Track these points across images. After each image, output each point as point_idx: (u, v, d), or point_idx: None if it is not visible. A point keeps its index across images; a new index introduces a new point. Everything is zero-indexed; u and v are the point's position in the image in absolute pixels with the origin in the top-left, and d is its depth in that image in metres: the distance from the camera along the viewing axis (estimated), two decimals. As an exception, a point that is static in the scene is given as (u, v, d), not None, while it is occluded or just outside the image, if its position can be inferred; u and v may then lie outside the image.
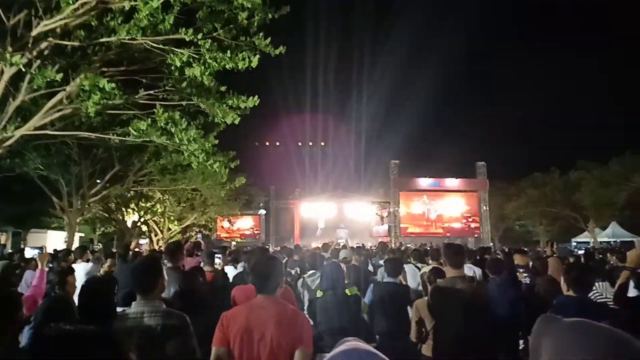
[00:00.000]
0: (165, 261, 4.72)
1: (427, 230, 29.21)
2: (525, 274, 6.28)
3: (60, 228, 18.65)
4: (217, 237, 31.09)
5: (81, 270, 6.63)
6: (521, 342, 5.01)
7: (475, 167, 30.24)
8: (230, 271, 6.60)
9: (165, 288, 4.17)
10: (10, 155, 11.56)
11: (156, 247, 18.71)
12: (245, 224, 33.82)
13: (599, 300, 4.77)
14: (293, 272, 6.47)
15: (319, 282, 4.58)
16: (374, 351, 1.01)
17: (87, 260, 7.00)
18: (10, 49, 6.31)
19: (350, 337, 1.11)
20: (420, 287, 5.88)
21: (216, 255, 7.55)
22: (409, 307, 4.89)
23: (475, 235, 29.06)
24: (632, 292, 4.89)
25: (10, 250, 12.77)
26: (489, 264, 5.29)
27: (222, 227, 32.23)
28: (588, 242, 28.64)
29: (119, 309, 5.68)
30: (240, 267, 6.72)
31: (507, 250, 11.46)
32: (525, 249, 8.27)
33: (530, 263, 6.44)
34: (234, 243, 23.42)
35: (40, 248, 9.40)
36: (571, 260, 8.09)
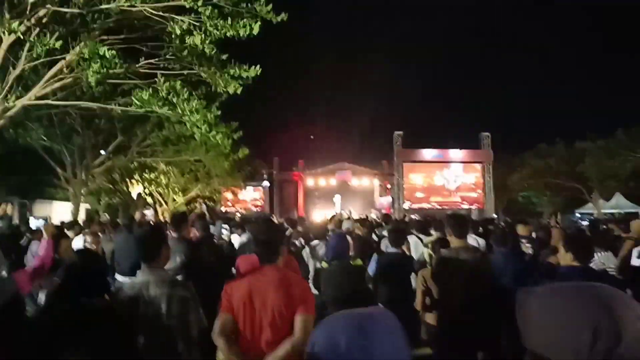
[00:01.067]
0: (171, 232, 4.73)
1: (431, 202, 29.24)
2: (528, 244, 6.29)
3: (66, 199, 18.75)
4: (222, 208, 31.24)
5: (79, 242, 6.69)
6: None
7: (479, 137, 30.02)
8: (238, 240, 6.64)
9: (170, 258, 4.21)
10: (13, 126, 11.54)
11: (161, 218, 18.85)
12: (249, 195, 33.90)
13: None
14: (297, 243, 6.50)
15: (324, 252, 4.60)
16: (373, 312, 1.01)
17: (96, 232, 7.05)
18: (7, 15, 6.19)
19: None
20: (424, 257, 5.90)
21: (223, 226, 7.61)
22: (412, 277, 4.93)
23: (479, 207, 29.09)
24: (635, 262, 4.90)
25: (17, 222, 12.89)
26: (494, 235, 5.27)
27: (227, 198, 32.37)
28: (592, 214, 28.63)
29: (125, 279, 5.77)
30: (245, 237, 6.75)
31: (509, 221, 11.46)
32: (527, 219, 8.27)
33: (534, 234, 6.44)
34: (238, 214, 23.54)
35: (45, 218, 9.46)
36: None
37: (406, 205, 28.66)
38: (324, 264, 4.02)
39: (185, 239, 4.62)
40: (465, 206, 29.03)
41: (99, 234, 5.86)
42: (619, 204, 27.64)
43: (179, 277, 4.05)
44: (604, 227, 9.37)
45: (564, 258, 3.23)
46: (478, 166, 29.67)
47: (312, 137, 41.19)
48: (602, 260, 5.05)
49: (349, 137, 46.92)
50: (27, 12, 6.81)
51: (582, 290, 0.94)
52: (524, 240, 6.34)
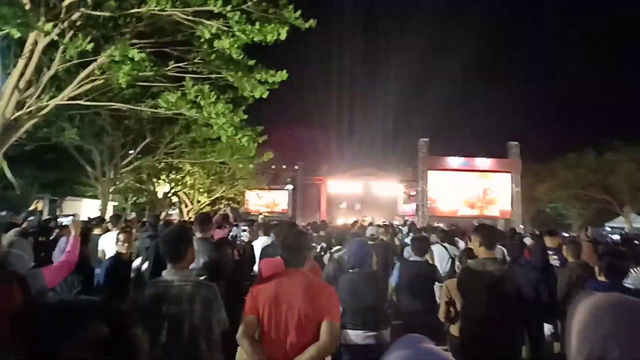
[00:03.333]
0: (195, 232, 4.77)
1: (456, 211, 28.80)
2: (555, 256, 6.13)
3: (95, 197, 19.18)
4: (246, 210, 31.48)
5: (115, 238, 6.81)
6: (548, 327, 4.91)
7: (507, 146, 29.46)
8: (261, 242, 6.65)
9: (195, 257, 4.24)
10: (46, 125, 11.87)
11: (186, 218, 19.11)
12: (272, 198, 34.09)
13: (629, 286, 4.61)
14: (319, 247, 6.49)
15: (346, 258, 4.56)
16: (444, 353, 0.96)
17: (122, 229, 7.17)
18: (43, 18, 6.38)
19: (415, 335, 1.04)
20: (449, 268, 5.81)
21: (243, 228, 7.65)
22: (435, 286, 4.85)
23: (506, 217, 28.51)
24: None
25: (47, 216, 13.23)
26: (509, 248, 5.15)
27: (250, 201, 32.62)
28: (623, 228, 27.77)
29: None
30: (268, 239, 6.78)
31: (537, 232, 11.20)
32: (555, 230, 8.06)
33: (564, 247, 6.27)
34: (261, 216, 23.70)
35: (73, 215, 9.68)
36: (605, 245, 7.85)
37: (429, 212, 28.32)
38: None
39: (209, 239, 4.66)
40: (492, 215, 28.50)
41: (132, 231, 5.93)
42: (651, 218, 26.75)
43: (203, 277, 4.08)
44: (636, 242, 9.07)
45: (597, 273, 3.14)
46: (506, 176, 29.09)
47: (338, 143, 41.15)
48: (638, 274, 4.88)
49: (374, 143, 46.67)
50: (62, 16, 7.00)
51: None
52: (550, 252, 6.19)
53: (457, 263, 5.91)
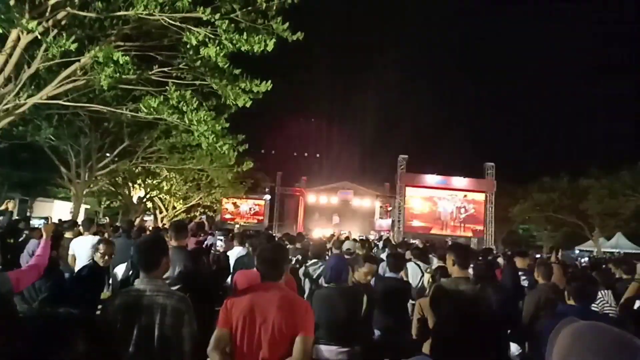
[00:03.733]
0: (170, 240, 4.70)
1: (430, 228, 29.12)
2: (523, 277, 6.24)
3: (67, 198, 18.78)
4: (222, 219, 31.20)
5: (88, 242, 6.66)
6: (516, 347, 4.98)
7: (484, 167, 30.03)
8: (236, 252, 6.59)
9: (169, 267, 4.18)
10: (22, 123, 11.62)
11: (160, 225, 18.83)
12: (249, 208, 33.90)
13: (605, 310, 4.73)
14: (294, 260, 6.45)
15: (322, 273, 4.57)
16: None
17: (95, 233, 7.02)
18: (27, 15, 6.28)
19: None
20: (423, 285, 5.85)
21: (218, 237, 7.57)
22: (409, 304, 4.89)
23: (478, 236, 28.94)
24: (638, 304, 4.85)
25: (17, 217, 12.87)
26: (476, 269, 5.22)
27: (227, 209, 32.36)
28: (592, 251, 28.48)
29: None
30: (243, 250, 6.72)
31: (509, 252, 11.39)
32: (526, 251, 8.20)
33: (535, 268, 6.40)
34: (237, 226, 23.51)
35: (46, 218, 9.45)
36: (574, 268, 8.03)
37: (405, 227, 28.56)
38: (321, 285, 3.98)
39: (184, 248, 4.60)
40: (465, 234, 28.89)
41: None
42: (619, 243, 27.52)
43: (177, 287, 4.01)
44: (604, 266, 9.30)
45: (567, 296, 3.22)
46: (480, 195, 29.60)
47: (317, 155, 41.28)
48: (605, 298, 4.99)
49: (353, 157, 46.93)
50: (47, 14, 6.91)
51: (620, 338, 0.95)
52: (520, 273, 6.30)
53: (425, 277, 5.96)
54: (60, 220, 10.63)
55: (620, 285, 5.45)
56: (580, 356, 0.94)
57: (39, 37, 6.80)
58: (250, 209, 33.91)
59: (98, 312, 3.10)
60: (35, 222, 10.74)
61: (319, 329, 3.60)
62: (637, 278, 4.16)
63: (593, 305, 4.33)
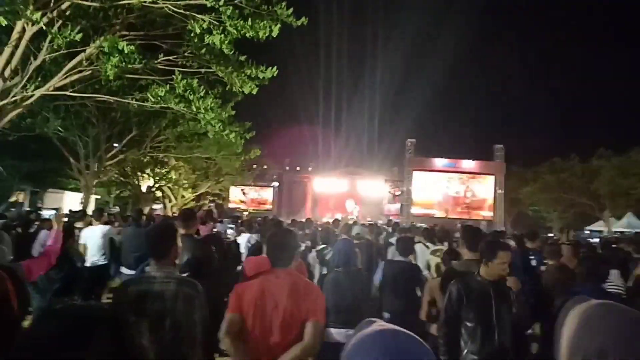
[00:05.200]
0: (179, 228, 4.73)
1: (439, 211, 29.06)
2: (532, 257, 6.23)
3: (77, 189, 18.93)
4: (230, 207, 31.36)
5: (98, 232, 6.74)
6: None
7: (492, 149, 29.81)
8: (245, 239, 6.63)
9: (179, 254, 4.21)
10: (30, 115, 11.68)
11: (170, 214, 18.97)
12: (258, 195, 34.02)
13: (609, 289, 4.72)
14: (304, 246, 6.49)
15: (331, 257, 4.59)
16: (412, 334, 0.93)
17: (105, 223, 7.10)
18: (32, 6, 6.28)
19: (376, 319, 1.03)
20: (429, 264, 5.85)
21: (229, 225, 7.63)
22: (417, 287, 4.90)
23: (488, 218, 28.84)
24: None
25: (28, 208, 13.01)
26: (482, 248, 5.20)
27: (235, 197, 32.49)
28: (602, 231, 28.28)
29: (131, 272, 5.79)
30: (253, 237, 6.76)
31: (517, 234, 11.34)
32: (536, 232, 8.16)
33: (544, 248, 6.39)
34: (246, 213, 23.61)
35: (57, 209, 9.58)
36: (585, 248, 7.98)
37: (414, 211, 28.53)
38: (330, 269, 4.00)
39: (193, 236, 4.63)
40: (475, 217, 28.81)
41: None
42: (630, 223, 27.26)
43: (185, 274, 4.05)
44: (614, 246, 9.25)
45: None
46: (490, 178, 29.44)
47: (325, 141, 41.19)
48: (611, 277, 4.98)
49: (361, 142, 46.77)
50: (51, 4, 6.90)
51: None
52: (530, 254, 6.29)
53: (430, 258, 5.96)
54: (70, 210, 10.74)
55: (632, 265, 5.43)
56: (591, 335, 0.93)
57: (44, 28, 6.80)
58: (258, 196, 34.03)
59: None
60: (45, 213, 10.84)
61: (328, 312, 3.63)
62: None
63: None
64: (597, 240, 17.14)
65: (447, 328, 3.15)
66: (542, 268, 5.56)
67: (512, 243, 8.15)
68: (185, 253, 4.21)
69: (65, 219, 5.65)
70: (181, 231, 4.51)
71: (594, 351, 0.90)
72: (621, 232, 25.77)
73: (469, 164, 29.78)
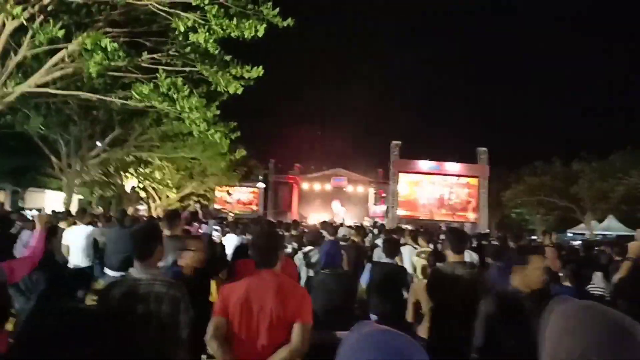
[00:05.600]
0: (163, 229, 4.66)
1: (425, 213, 29.27)
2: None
3: (59, 188, 18.60)
4: (215, 208, 31.14)
5: (82, 233, 6.62)
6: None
7: (476, 152, 30.13)
8: (232, 241, 6.56)
9: (163, 255, 4.13)
10: (10, 112, 11.44)
11: (154, 215, 18.75)
12: (243, 196, 33.83)
13: (592, 291, 4.78)
14: (290, 247, 6.45)
15: (317, 259, 4.56)
16: (403, 334, 0.95)
17: (88, 223, 6.97)
18: (12, 0, 6.13)
19: (368, 321, 1.04)
20: (415, 265, 5.86)
21: (214, 227, 7.55)
22: (403, 288, 4.90)
23: (472, 221, 29.14)
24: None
25: (9, 209, 12.75)
26: (490, 251, 5.28)
27: (220, 198, 32.26)
28: (584, 234, 28.75)
29: (116, 274, 5.69)
30: (239, 239, 6.70)
31: (502, 236, 11.47)
32: (519, 234, 8.24)
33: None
34: (231, 214, 23.46)
35: (39, 209, 9.39)
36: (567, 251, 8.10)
37: (399, 213, 28.68)
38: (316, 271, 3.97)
39: (177, 237, 4.57)
40: (459, 219, 29.07)
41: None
42: (611, 226, 27.80)
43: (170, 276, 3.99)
44: (597, 249, 9.40)
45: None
46: (473, 180, 29.75)
47: (318, 133, 41.19)
48: (594, 280, 5.05)
49: (346, 143, 46.89)
50: (32, -1, 6.76)
51: (621, 322, 0.93)
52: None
53: (415, 259, 5.97)
54: (53, 211, 10.54)
55: (613, 268, 5.50)
56: (574, 336, 0.92)
57: (25, 23, 6.65)
58: (244, 197, 33.85)
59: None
60: (28, 214, 10.63)
61: (316, 314, 3.60)
62: (629, 257, 4.21)
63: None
64: (579, 242, 17.42)
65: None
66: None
67: (496, 244, 8.24)
68: (169, 254, 4.15)
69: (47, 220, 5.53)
70: (166, 232, 4.47)
71: (578, 352, 0.90)
72: (603, 235, 26.26)
73: (453, 167, 30.06)
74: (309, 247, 5.58)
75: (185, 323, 2.51)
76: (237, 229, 7.35)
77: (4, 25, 7.03)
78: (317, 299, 3.73)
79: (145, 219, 11.41)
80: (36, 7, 6.87)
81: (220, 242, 6.53)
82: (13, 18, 6.42)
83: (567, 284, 3.96)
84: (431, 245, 6.96)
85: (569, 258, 5.51)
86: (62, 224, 6.90)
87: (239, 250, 5.36)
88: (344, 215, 28.08)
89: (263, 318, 2.33)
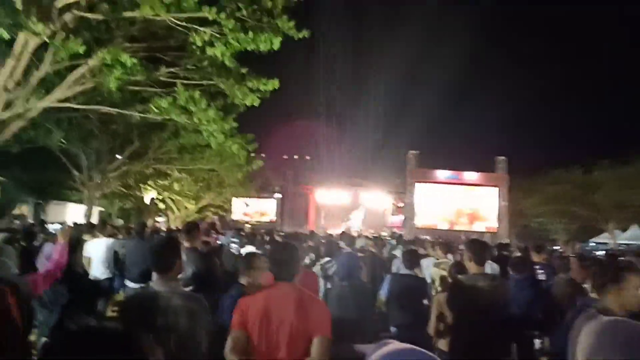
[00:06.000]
0: (182, 241, 4.68)
1: (443, 224, 28.93)
2: (541, 271, 6.16)
3: (80, 201, 18.92)
4: (233, 218, 31.32)
5: (103, 245, 6.70)
6: (538, 341, 4.91)
7: (495, 161, 29.76)
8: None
9: (182, 269, 4.15)
10: (33, 127, 11.71)
11: (173, 226, 18.92)
12: (260, 207, 33.93)
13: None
14: (307, 259, 6.42)
15: (335, 271, 4.53)
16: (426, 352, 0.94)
17: (109, 236, 7.06)
18: (34, 18, 6.29)
19: (390, 340, 1.03)
20: (433, 277, 5.78)
21: (232, 240, 7.56)
22: (424, 300, 4.83)
23: (492, 231, 28.68)
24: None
25: (31, 221, 12.98)
26: (512, 263, 5.17)
27: (238, 209, 32.42)
28: (607, 243, 28.09)
29: (135, 286, 5.73)
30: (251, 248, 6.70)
31: (523, 246, 11.25)
32: (542, 245, 8.07)
33: (554, 262, 6.33)
34: (248, 226, 23.55)
35: (62, 223, 9.55)
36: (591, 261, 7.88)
37: (417, 223, 28.41)
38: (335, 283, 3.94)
39: (197, 249, 4.58)
40: (479, 229, 28.67)
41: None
42: (635, 235, 27.12)
43: (190, 288, 4.00)
44: (621, 259, 9.15)
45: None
46: (493, 190, 29.35)
47: (328, 153, 41.28)
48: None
49: (363, 153, 46.86)
50: (54, 17, 6.92)
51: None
52: (537, 267, 6.22)
53: (434, 271, 5.88)
54: (75, 223, 10.70)
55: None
56: (604, 352, 0.91)
57: (47, 40, 6.82)
58: (261, 208, 33.95)
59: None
60: (51, 227, 10.81)
61: (334, 327, 3.56)
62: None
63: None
64: (602, 252, 17.02)
65: None
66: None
67: (518, 255, 8.08)
68: (190, 266, 4.16)
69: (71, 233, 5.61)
70: (185, 244, 4.49)
71: None
72: (626, 244, 25.61)
73: (471, 176, 29.71)
74: (326, 259, 5.55)
75: (205, 336, 2.50)
76: (255, 241, 7.37)
77: (26, 42, 7.21)
78: (335, 311, 3.69)
79: (164, 231, 11.51)
80: (57, 24, 7.03)
81: (240, 254, 6.55)
82: (35, 35, 6.57)
83: (593, 295, 3.85)
84: (449, 256, 6.87)
85: (595, 269, 5.36)
86: (84, 237, 6.99)
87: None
88: (361, 225, 27.95)
89: (282, 331, 2.31)
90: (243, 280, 3.32)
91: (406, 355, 0.93)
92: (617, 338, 0.91)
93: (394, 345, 0.97)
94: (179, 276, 4.13)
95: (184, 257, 3.78)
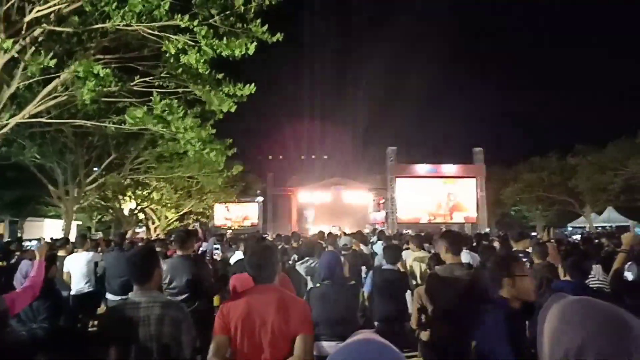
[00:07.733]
0: (177, 250, 4.65)
1: (424, 217, 29.24)
2: (525, 259, 6.30)
3: (57, 216, 18.61)
4: (215, 224, 31.12)
5: (82, 259, 6.63)
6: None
7: (472, 152, 30.24)
8: (236, 257, 6.59)
9: (177, 276, 4.17)
10: (5, 144, 11.50)
11: (154, 236, 18.73)
12: (242, 211, 33.79)
13: (592, 284, 4.81)
14: (291, 260, 6.49)
15: (317, 269, 4.59)
16: (389, 344, 0.98)
17: (87, 250, 6.99)
18: (2, 35, 6.22)
19: (365, 330, 1.07)
20: (413, 270, 5.90)
21: (215, 245, 7.56)
22: (407, 294, 4.94)
23: (472, 221, 29.12)
24: (628, 275, 4.94)
25: (8, 239, 12.72)
26: (480, 251, 5.31)
27: (219, 214, 32.24)
28: (584, 227, 28.78)
29: (116, 298, 5.71)
30: (240, 254, 6.73)
31: (502, 235, 11.48)
32: (523, 233, 8.26)
33: (531, 249, 6.48)
34: (229, 231, 23.45)
35: (39, 239, 9.40)
36: (567, 245, 8.13)
37: (399, 218, 28.66)
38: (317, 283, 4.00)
39: (190, 256, 4.54)
40: (459, 221, 29.07)
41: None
42: (610, 217, 27.86)
43: (185, 295, 4.02)
44: (597, 241, 9.43)
45: (561, 273, 3.29)
46: (471, 181, 29.80)
47: (307, 153, 41.31)
48: (593, 272, 5.08)
49: (343, 152, 47.02)
50: (23, 32, 6.83)
51: (615, 316, 0.95)
52: (520, 255, 6.36)
53: (414, 264, 6.01)
54: (52, 238, 10.55)
55: (611, 258, 5.55)
56: (570, 332, 0.94)
57: (16, 55, 6.73)
58: (243, 212, 33.80)
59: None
60: (28, 245, 10.63)
61: (318, 325, 3.63)
62: (624, 249, 4.23)
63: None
64: (579, 236, 17.45)
65: None
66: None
67: (497, 245, 8.26)
68: (185, 274, 4.17)
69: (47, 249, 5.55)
70: (178, 252, 4.47)
71: (573, 347, 0.92)
72: (602, 227, 26.28)
73: (450, 169, 30.12)
74: (305, 259, 5.63)
75: (188, 343, 2.54)
76: (240, 246, 7.39)
77: (-5, 59, 7.11)
78: (319, 310, 3.76)
79: (142, 241, 11.42)
80: (27, 39, 6.95)
81: (222, 260, 6.57)
82: (5, 52, 6.49)
83: (567, 278, 4.00)
84: (428, 248, 7.00)
85: (567, 252, 5.54)
86: (61, 252, 6.90)
87: (236, 265, 5.39)
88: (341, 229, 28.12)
89: (265, 333, 2.35)
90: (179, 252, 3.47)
91: (359, 346, 0.96)
92: (581, 317, 0.95)
93: (358, 336, 1.00)
94: (173, 284, 4.16)
95: (177, 264, 3.82)
